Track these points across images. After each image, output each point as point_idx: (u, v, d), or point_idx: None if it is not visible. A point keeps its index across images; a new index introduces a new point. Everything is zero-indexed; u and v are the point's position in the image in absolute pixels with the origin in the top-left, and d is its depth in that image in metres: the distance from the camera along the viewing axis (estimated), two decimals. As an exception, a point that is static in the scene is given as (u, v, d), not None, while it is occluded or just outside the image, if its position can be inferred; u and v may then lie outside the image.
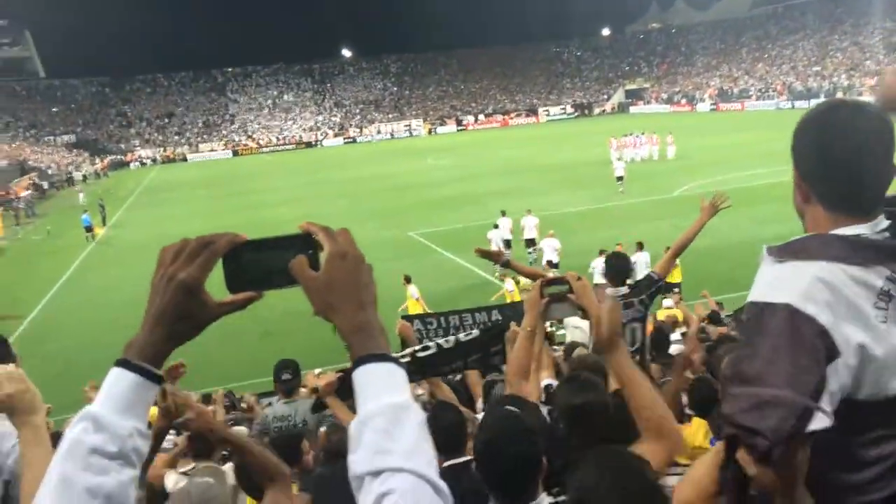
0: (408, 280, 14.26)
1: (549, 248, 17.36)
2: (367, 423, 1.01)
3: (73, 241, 28.36)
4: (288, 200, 30.26)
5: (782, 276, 1.45)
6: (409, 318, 4.35)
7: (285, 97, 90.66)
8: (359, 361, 1.07)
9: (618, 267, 5.26)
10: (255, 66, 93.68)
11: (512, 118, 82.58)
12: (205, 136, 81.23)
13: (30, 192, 43.18)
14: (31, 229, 34.28)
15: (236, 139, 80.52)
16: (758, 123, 50.57)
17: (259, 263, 1.13)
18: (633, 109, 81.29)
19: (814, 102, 48.56)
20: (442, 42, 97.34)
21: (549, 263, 16.71)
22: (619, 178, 27.69)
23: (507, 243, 18.38)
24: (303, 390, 5.90)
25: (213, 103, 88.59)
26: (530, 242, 18.71)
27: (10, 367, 1.73)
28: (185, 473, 3.67)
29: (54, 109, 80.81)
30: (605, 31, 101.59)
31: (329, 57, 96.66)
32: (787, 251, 1.49)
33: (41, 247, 29.01)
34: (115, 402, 1.06)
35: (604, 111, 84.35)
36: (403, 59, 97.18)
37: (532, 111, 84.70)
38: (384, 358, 1.07)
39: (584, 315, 2.55)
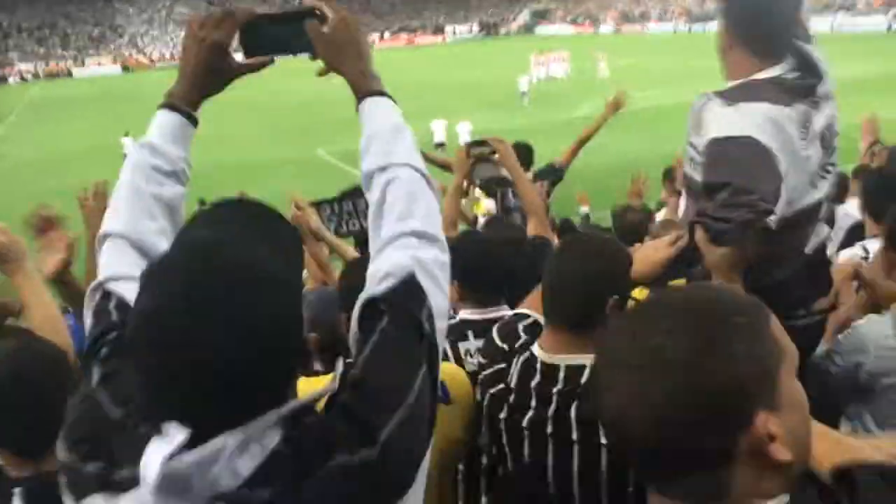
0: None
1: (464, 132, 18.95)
2: (375, 136, 1.28)
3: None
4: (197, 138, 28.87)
5: (737, 116, 1.85)
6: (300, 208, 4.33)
7: (178, 9, 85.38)
8: (365, 94, 1.35)
9: (523, 154, 5.73)
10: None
11: (418, 37, 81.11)
12: (91, 50, 75.94)
13: None
14: None
15: (126, 53, 75.66)
16: (657, 47, 51.79)
17: (272, 32, 1.35)
18: (538, 30, 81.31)
19: (710, 25, 49.63)
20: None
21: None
22: (524, 94, 29.19)
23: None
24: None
25: (100, 13, 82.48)
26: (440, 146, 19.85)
27: None
28: None
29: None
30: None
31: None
32: (734, 96, 1.90)
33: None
34: (166, 134, 1.36)
35: (509, 31, 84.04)
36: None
37: (439, 30, 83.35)
38: (384, 94, 1.36)
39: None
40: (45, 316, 1.96)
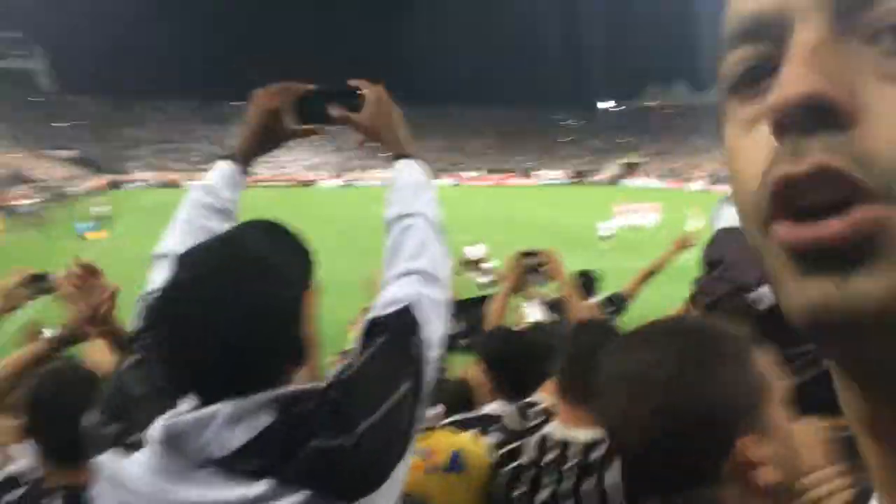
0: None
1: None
2: (400, 189, 1.46)
3: (70, 249, 28.56)
4: None
5: (734, 213, 2.23)
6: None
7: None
8: (399, 156, 1.54)
9: (584, 284, 5.92)
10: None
11: (507, 178, 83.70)
12: (202, 166, 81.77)
13: (32, 201, 43.53)
14: (28, 236, 34.54)
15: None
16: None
17: (321, 105, 1.53)
18: (627, 182, 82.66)
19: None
20: (446, 96, 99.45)
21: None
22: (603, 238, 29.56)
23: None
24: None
25: (215, 134, 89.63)
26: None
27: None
28: None
29: (58, 124, 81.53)
30: (607, 104, 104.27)
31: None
32: None
33: (36, 251, 29.24)
34: (221, 179, 1.58)
35: (598, 181, 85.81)
36: (407, 109, 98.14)
37: (527, 173, 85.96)
38: (415, 157, 1.54)
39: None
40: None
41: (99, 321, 2.26)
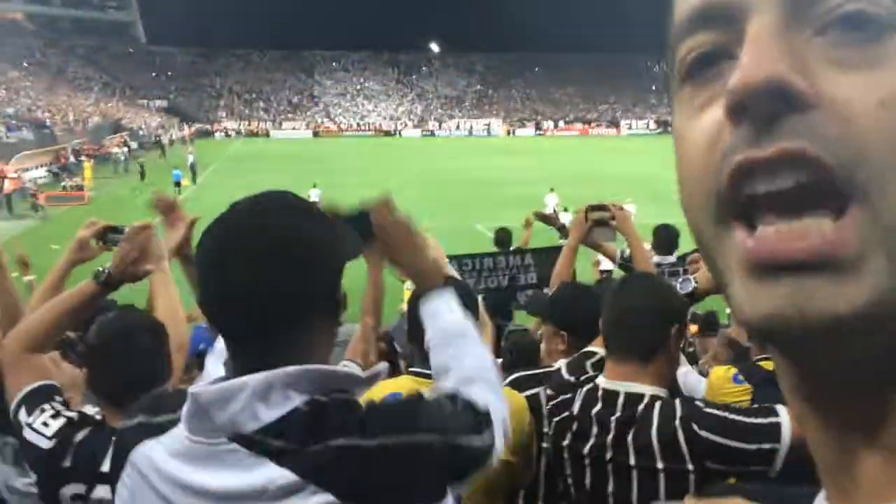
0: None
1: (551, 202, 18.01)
2: (441, 340, 1.36)
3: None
4: (365, 184, 30.66)
5: None
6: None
7: (369, 84, 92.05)
8: (425, 290, 1.44)
9: (665, 237, 5.49)
10: (345, 51, 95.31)
11: (592, 128, 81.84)
12: (289, 115, 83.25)
13: (124, 149, 45.16)
14: (120, 183, 35.88)
15: (318, 120, 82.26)
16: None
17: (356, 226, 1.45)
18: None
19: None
20: (530, 44, 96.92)
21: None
22: None
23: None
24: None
25: (300, 83, 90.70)
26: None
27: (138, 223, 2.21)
28: None
29: (152, 74, 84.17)
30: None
31: (416, 49, 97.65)
32: None
33: (128, 201, 30.36)
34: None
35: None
36: (490, 58, 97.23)
37: (614, 123, 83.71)
38: (440, 290, 1.42)
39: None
40: (168, 309, 2.20)
41: (181, 250, 2.46)
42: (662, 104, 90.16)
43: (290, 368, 1.04)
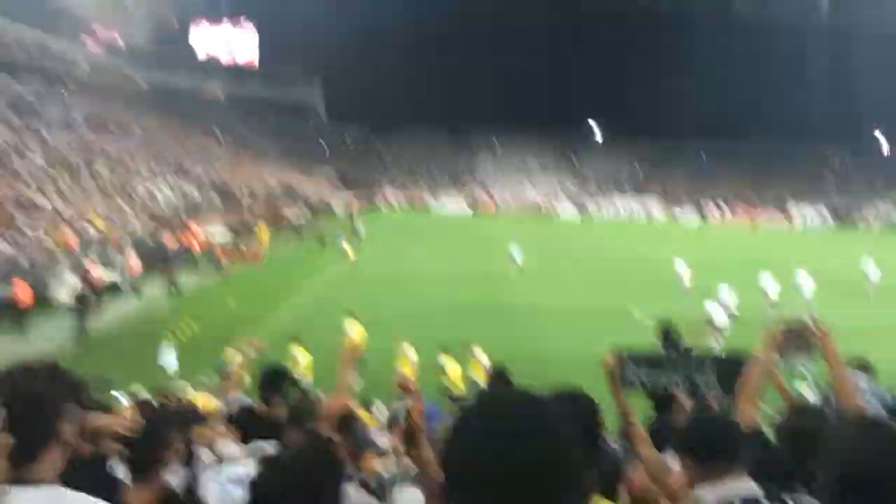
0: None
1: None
2: None
3: (326, 262, 31.39)
4: (524, 275, 29.97)
5: None
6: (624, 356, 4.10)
7: (529, 163, 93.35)
8: None
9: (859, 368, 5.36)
10: (507, 129, 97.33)
11: (759, 212, 77.49)
12: (449, 188, 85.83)
13: (300, 213, 48.61)
14: (293, 248, 38.28)
15: (475, 194, 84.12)
16: None
17: None
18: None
19: None
20: (695, 130, 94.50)
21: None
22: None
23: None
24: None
25: (462, 160, 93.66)
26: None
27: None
28: None
29: (325, 146, 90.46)
30: (878, 135, 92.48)
31: (577, 130, 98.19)
32: None
33: (296, 264, 32.30)
34: None
35: (868, 222, 76.44)
36: (653, 143, 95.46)
37: (783, 210, 78.93)
38: None
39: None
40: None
41: None
42: (835, 192, 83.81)
43: None
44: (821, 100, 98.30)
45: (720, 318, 18.51)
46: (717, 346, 16.34)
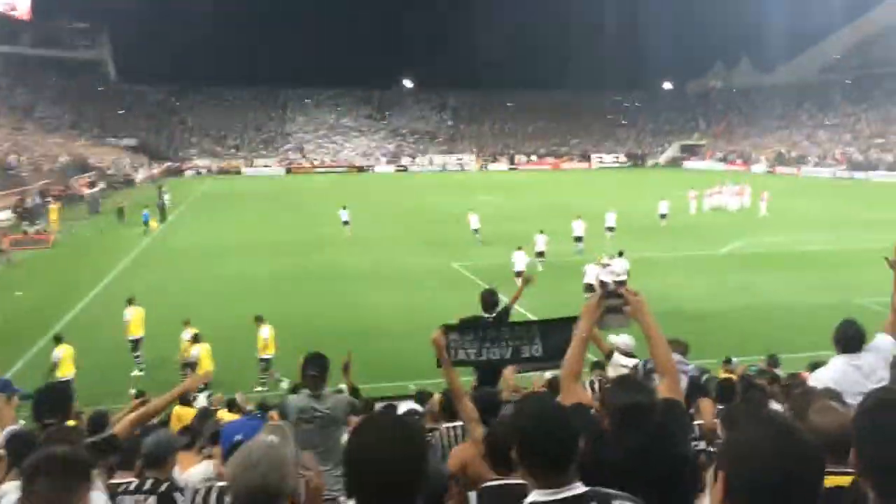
0: (259, 320, 13.39)
1: (619, 267, 18.28)
2: None
3: (126, 240, 29.23)
4: (339, 222, 30.43)
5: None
6: (448, 328, 4.30)
7: (342, 121, 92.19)
8: None
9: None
10: (317, 88, 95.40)
11: (564, 162, 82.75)
12: (261, 152, 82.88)
13: (96, 189, 44.54)
14: (86, 224, 35.25)
15: (291, 157, 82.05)
16: (813, 190, 49.73)
17: None
18: (686, 164, 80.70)
19: (872, 174, 48.32)
20: (502, 82, 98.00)
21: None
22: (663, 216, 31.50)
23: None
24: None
25: (272, 121, 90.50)
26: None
27: None
28: None
29: (120, 112, 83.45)
30: (667, 85, 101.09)
31: (389, 86, 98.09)
32: None
33: (93, 243, 29.83)
34: None
35: (657, 164, 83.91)
36: (462, 95, 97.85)
37: (585, 157, 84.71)
38: None
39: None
40: None
41: None
42: (630, 137, 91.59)
43: None
44: (617, 52, 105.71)
45: (520, 265, 19.85)
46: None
